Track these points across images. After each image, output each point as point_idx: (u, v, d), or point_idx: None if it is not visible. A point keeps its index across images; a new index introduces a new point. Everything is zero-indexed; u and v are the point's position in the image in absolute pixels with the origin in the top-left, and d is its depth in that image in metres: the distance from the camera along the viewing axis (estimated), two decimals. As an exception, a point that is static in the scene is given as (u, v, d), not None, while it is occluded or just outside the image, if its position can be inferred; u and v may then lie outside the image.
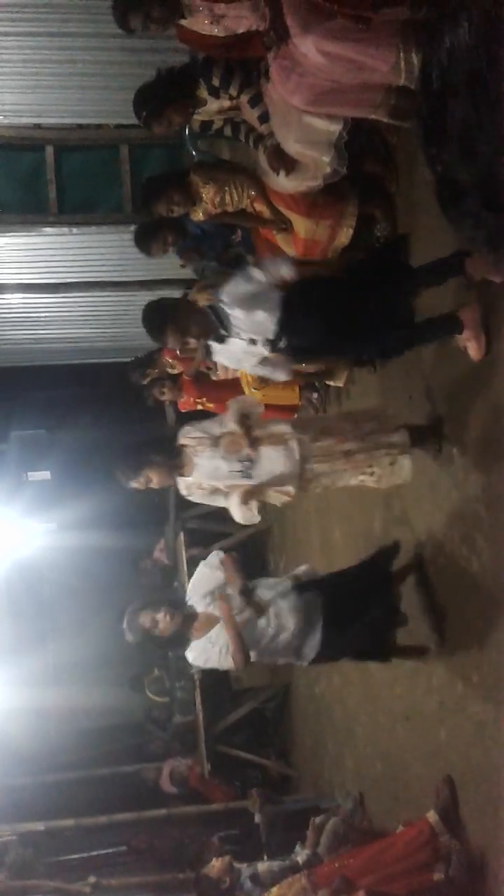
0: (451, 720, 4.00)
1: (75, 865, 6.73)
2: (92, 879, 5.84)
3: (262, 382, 5.56)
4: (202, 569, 4.20)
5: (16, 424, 9.16)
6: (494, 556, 3.58)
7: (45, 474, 8.93)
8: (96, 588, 9.49)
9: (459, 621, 3.92)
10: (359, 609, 3.99)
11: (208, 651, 3.94)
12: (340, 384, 5.46)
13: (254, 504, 4.05)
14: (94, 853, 6.95)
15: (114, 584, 9.21)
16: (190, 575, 8.17)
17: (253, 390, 5.69)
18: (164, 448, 4.03)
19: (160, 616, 3.93)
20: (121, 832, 7.09)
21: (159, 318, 3.94)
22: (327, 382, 5.60)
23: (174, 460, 3.98)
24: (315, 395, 6.03)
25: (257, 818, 6.01)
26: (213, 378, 5.85)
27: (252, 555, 8.78)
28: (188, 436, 4.05)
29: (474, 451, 3.76)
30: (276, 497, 4.13)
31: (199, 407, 6.54)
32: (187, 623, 3.97)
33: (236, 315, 3.75)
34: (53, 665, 9.31)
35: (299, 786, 7.56)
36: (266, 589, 4.07)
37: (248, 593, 3.98)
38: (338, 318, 3.72)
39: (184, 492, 4.11)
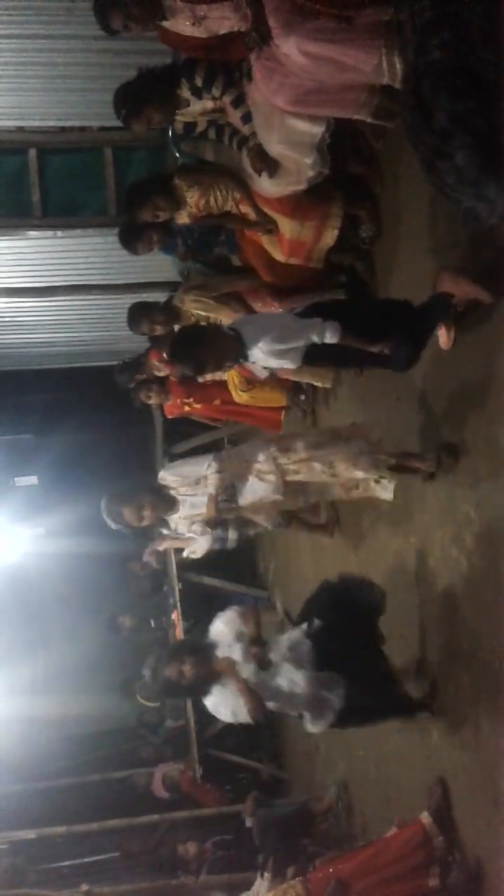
0: (443, 722, 3.99)
1: (67, 873, 6.70)
2: (84, 887, 5.80)
3: (249, 384, 5.55)
4: (225, 619, 4.14)
5: (2, 429, 9.12)
6: (484, 557, 3.56)
7: (33, 479, 8.90)
8: (85, 593, 9.45)
9: (449, 622, 3.91)
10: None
11: (225, 704, 3.90)
12: (328, 385, 5.45)
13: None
14: (86, 860, 6.91)
15: (103, 588, 9.18)
16: (179, 579, 8.19)
17: (240, 392, 5.69)
18: (155, 489, 4.14)
19: (186, 667, 3.89)
20: (113, 838, 7.05)
21: (194, 352, 3.78)
22: (314, 384, 5.59)
23: (167, 499, 4.08)
24: (302, 397, 6.02)
25: (249, 822, 5.98)
26: (199, 379, 5.83)
27: (241, 560, 8.77)
28: (167, 480, 4.17)
29: (463, 452, 3.75)
30: (258, 517, 4.18)
31: (186, 409, 6.53)
32: (212, 673, 3.92)
33: (268, 361, 3.71)
34: (43, 671, 9.25)
35: (291, 789, 7.54)
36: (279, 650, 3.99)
37: (260, 644, 3.95)
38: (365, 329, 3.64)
39: (171, 526, 4.16)
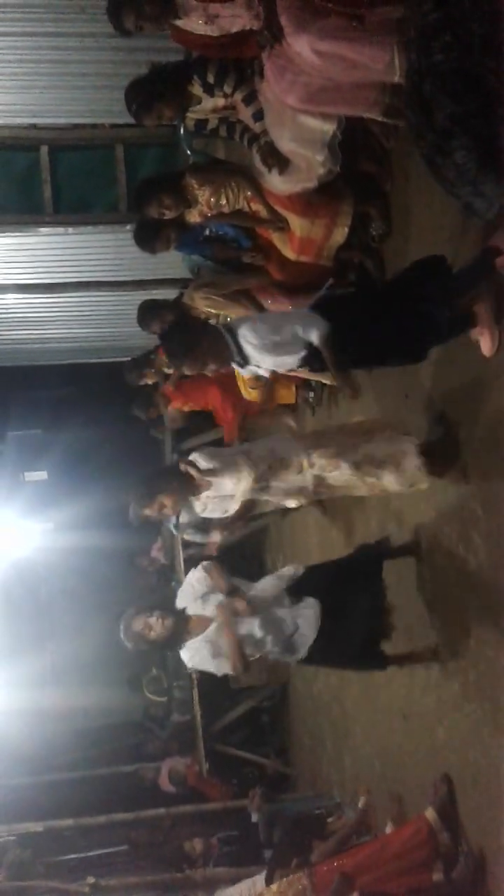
0: (448, 718, 4.01)
1: (74, 866, 6.73)
2: (91, 879, 5.85)
3: (258, 381, 5.57)
4: (190, 577, 4.30)
5: (12, 424, 9.16)
6: (491, 555, 3.58)
7: (42, 474, 8.94)
8: (94, 588, 9.49)
9: (456, 620, 3.92)
10: (349, 604, 4.02)
11: (202, 651, 3.98)
12: (336, 382, 5.46)
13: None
14: (93, 853, 6.94)
15: (111, 583, 9.22)
16: (187, 573, 8.21)
17: (249, 389, 5.70)
18: (176, 474, 4.05)
19: (153, 620, 4.00)
20: (119, 832, 7.09)
21: (181, 345, 3.82)
22: (323, 381, 5.61)
23: (185, 484, 3.99)
24: (311, 394, 6.04)
25: (255, 817, 6.01)
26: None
27: (249, 555, 8.79)
28: (198, 460, 4.06)
29: (471, 451, 3.76)
30: (288, 502, 4.17)
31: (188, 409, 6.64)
32: (181, 625, 4.03)
33: (262, 360, 3.67)
34: (51, 665, 9.31)
35: (297, 784, 7.57)
36: (257, 592, 4.10)
37: (235, 593, 4.03)
38: (376, 331, 3.56)
39: (198, 510, 4.12)
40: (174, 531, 6.82)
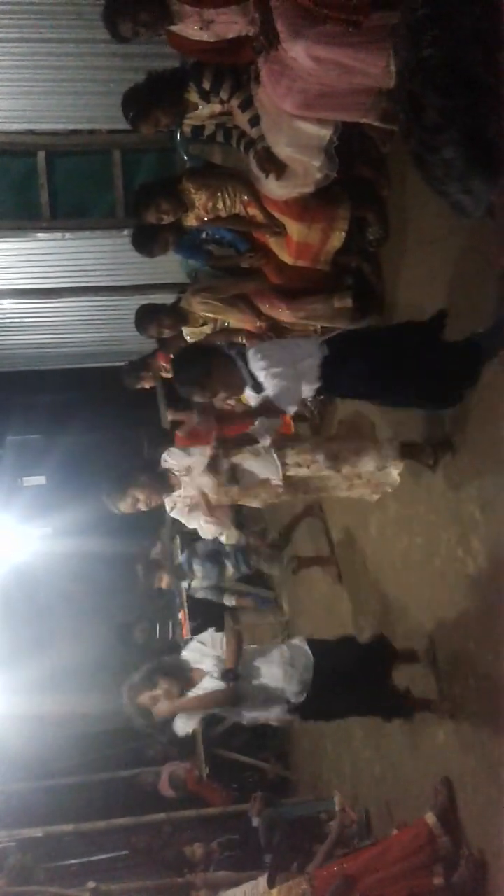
0: (448, 722, 4.01)
1: (74, 871, 6.73)
2: (91, 884, 5.83)
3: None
4: (207, 637, 4.18)
5: (11, 429, 9.17)
6: (489, 558, 3.58)
7: (41, 479, 8.95)
8: (92, 592, 9.49)
9: (455, 624, 3.92)
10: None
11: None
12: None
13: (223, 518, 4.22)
14: (94, 858, 6.94)
15: (110, 588, 9.21)
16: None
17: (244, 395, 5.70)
18: (148, 469, 4.13)
19: (158, 693, 3.93)
20: (120, 837, 7.08)
21: (192, 375, 3.63)
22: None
23: (162, 478, 4.09)
24: (309, 403, 6.02)
25: (255, 822, 6.00)
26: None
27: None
28: (171, 459, 4.17)
29: (469, 453, 3.77)
30: (260, 496, 4.20)
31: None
32: (185, 687, 3.97)
33: (276, 385, 3.55)
34: (51, 670, 9.29)
35: (298, 788, 7.56)
36: (260, 683, 4.01)
37: (232, 678, 3.93)
38: (384, 366, 3.50)
39: (168, 506, 4.19)
40: (186, 591, 6.88)
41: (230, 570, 6.65)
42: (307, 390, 3.56)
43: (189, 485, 4.15)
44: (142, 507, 4.06)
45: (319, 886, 4.09)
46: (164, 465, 4.20)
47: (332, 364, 3.47)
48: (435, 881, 3.77)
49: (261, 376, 3.48)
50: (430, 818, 3.92)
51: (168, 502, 4.22)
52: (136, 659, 8.87)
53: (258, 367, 3.47)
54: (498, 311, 3.40)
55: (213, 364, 3.53)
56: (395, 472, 4.10)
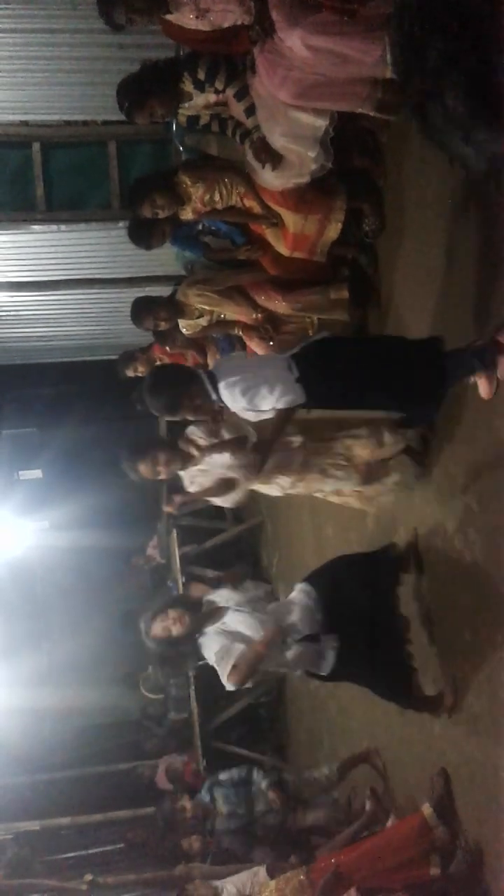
0: (444, 713, 4.01)
1: (72, 864, 6.73)
2: (88, 877, 5.84)
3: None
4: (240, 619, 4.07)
5: (7, 423, 9.14)
6: (487, 549, 3.58)
7: (37, 473, 8.93)
8: (89, 586, 9.49)
9: (452, 614, 3.92)
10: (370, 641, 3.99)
11: (212, 645, 3.94)
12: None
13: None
14: (91, 851, 6.95)
15: (107, 582, 9.21)
16: (182, 573, 8.22)
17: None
18: (171, 439, 4.12)
19: (169, 623, 3.96)
20: (117, 830, 7.09)
21: (162, 401, 3.61)
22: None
23: (180, 448, 4.03)
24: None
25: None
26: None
27: (245, 552, 8.79)
28: (193, 434, 4.10)
29: (464, 446, 3.77)
30: (275, 487, 4.17)
31: None
32: (199, 618, 4.02)
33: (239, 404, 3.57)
34: (48, 664, 9.31)
35: (295, 781, 7.57)
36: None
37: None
38: (359, 373, 3.53)
39: (186, 482, 4.13)
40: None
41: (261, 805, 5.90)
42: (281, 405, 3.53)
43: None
44: (161, 472, 3.98)
45: (317, 878, 4.09)
46: (188, 435, 4.14)
47: (306, 379, 3.46)
48: (431, 871, 3.77)
49: (229, 405, 3.50)
50: (427, 809, 3.93)
51: (187, 478, 4.16)
52: (137, 650, 8.91)
53: (227, 396, 3.48)
54: (479, 339, 3.41)
55: (182, 394, 3.52)
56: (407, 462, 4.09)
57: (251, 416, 3.63)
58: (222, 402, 3.52)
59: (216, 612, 4.05)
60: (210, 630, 3.99)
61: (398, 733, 4.68)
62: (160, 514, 8.72)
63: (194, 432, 4.12)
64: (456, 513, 3.84)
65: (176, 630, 3.96)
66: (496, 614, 3.48)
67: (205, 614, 4.05)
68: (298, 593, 4.08)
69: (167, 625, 3.97)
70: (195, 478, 4.18)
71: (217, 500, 4.36)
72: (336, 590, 4.05)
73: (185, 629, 3.96)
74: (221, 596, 4.16)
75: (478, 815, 3.69)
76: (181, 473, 4.15)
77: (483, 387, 3.44)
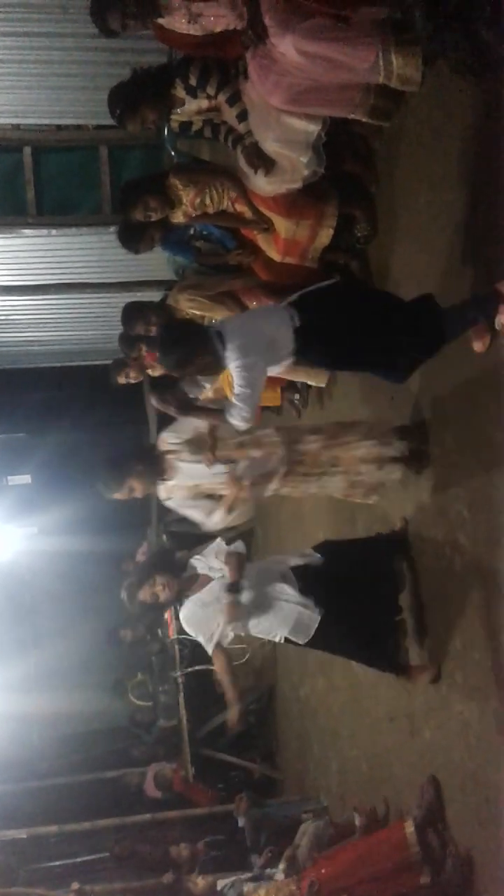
0: (435, 720, 4.00)
1: (59, 872, 6.66)
2: (76, 886, 5.78)
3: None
4: (215, 546, 4.22)
5: (-5, 428, 9.11)
6: (477, 556, 3.58)
7: (26, 478, 8.89)
8: (78, 592, 9.44)
9: (443, 621, 3.92)
10: (359, 592, 4.01)
11: (198, 615, 4.00)
12: (322, 384, 5.46)
13: (238, 508, 4.12)
14: (78, 860, 6.88)
15: (96, 588, 9.16)
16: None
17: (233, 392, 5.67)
18: (145, 456, 4.09)
19: (158, 589, 4.02)
20: (104, 838, 7.03)
21: (176, 353, 3.59)
22: (308, 383, 5.60)
23: (156, 467, 4.03)
24: (297, 396, 6.03)
25: (241, 822, 5.98)
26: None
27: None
28: (168, 442, 4.07)
29: (457, 452, 3.76)
30: (260, 492, 4.15)
31: None
32: (185, 585, 4.06)
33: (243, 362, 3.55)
34: (35, 670, 9.24)
35: (284, 788, 7.54)
36: (260, 575, 4.03)
37: (235, 590, 3.95)
38: (358, 327, 3.53)
39: (163, 496, 4.15)
40: None
41: None
42: (276, 369, 3.61)
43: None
44: (137, 494, 4.06)
45: (305, 888, 4.07)
46: (161, 446, 4.13)
47: (305, 332, 3.48)
48: (422, 880, 3.76)
49: (232, 371, 3.48)
50: (409, 827, 3.90)
51: (163, 491, 4.16)
52: (126, 659, 8.87)
53: (232, 359, 3.46)
54: (472, 293, 3.41)
55: (196, 348, 3.51)
56: (396, 469, 4.08)
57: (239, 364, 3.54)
58: (228, 360, 3.49)
59: (198, 579, 4.08)
60: (192, 599, 4.03)
61: (388, 740, 4.67)
62: (150, 520, 8.69)
63: (165, 440, 4.12)
64: (447, 520, 3.83)
65: (164, 596, 4.02)
66: (488, 622, 3.47)
67: (187, 579, 4.09)
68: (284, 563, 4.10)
69: (156, 590, 4.01)
70: (174, 493, 4.17)
71: (204, 520, 4.32)
72: (330, 563, 4.08)
73: (172, 595, 4.02)
74: (201, 562, 4.19)
75: (468, 822, 3.67)
76: (159, 487, 4.14)
77: (477, 339, 3.44)
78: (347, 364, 3.94)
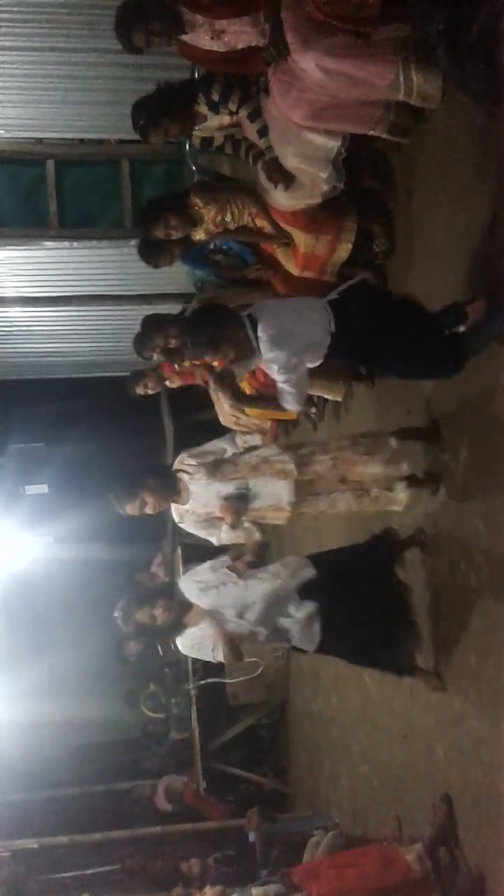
0: (448, 737, 3.97)
1: (68, 883, 6.66)
2: (85, 896, 5.79)
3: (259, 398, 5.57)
4: (204, 567, 4.18)
5: (14, 438, 9.17)
6: (493, 571, 3.56)
7: (43, 488, 8.94)
8: (93, 602, 9.44)
9: (457, 637, 3.90)
10: (362, 596, 3.98)
11: (199, 641, 3.96)
12: (339, 398, 5.46)
13: (245, 525, 4.13)
14: (88, 871, 6.87)
15: (111, 598, 9.15)
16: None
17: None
18: (160, 472, 4.13)
19: (157, 611, 3.95)
20: (115, 850, 7.01)
21: (207, 333, 3.62)
22: (325, 396, 5.61)
23: (170, 484, 4.03)
24: (313, 410, 6.03)
25: (252, 837, 5.95)
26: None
27: (250, 570, 8.74)
28: (185, 462, 4.10)
29: (473, 467, 3.75)
30: (272, 517, 4.16)
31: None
32: (182, 612, 3.99)
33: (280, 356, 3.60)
34: (49, 679, 9.25)
35: (295, 803, 7.50)
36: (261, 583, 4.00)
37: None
38: (393, 327, 3.59)
39: (176, 518, 4.17)
40: None
41: None
42: (309, 364, 3.65)
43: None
44: (149, 510, 4.02)
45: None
46: (177, 465, 4.14)
47: (339, 337, 3.54)
48: (432, 898, 3.73)
49: (269, 364, 3.53)
50: (410, 854, 3.87)
51: (175, 513, 4.17)
52: (138, 670, 8.86)
53: (265, 348, 3.51)
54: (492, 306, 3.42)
55: (227, 328, 3.54)
56: (403, 497, 4.07)
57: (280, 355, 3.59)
58: (259, 347, 3.52)
59: (195, 614, 3.99)
60: (191, 630, 3.97)
61: (400, 756, 4.64)
62: (165, 531, 8.70)
63: (183, 460, 4.14)
64: (462, 534, 3.82)
65: (161, 619, 3.95)
66: (502, 637, 3.45)
67: (183, 606, 4.01)
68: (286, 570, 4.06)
69: (154, 612, 3.95)
70: (184, 515, 4.18)
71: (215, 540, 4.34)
72: (333, 568, 4.07)
73: (169, 619, 3.95)
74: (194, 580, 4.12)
75: (480, 840, 3.64)
76: (172, 508, 4.16)
77: None
78: (384, 364, 3.98)
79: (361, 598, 3.97)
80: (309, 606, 3.89)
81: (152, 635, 4.09)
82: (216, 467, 4.05)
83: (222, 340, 3.55)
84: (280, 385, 3.64)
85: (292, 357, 3.54)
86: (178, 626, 3.99)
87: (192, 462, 4.11)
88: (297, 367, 3.58)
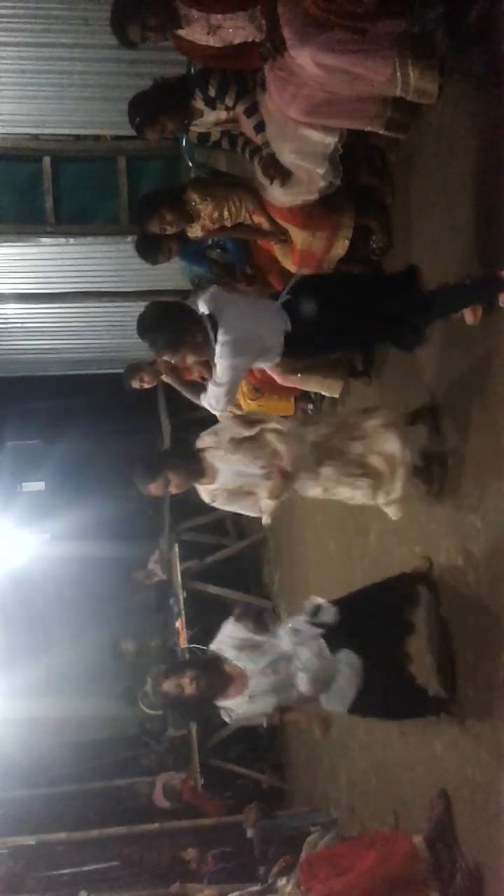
0: (446, 734, 3.97)
1: (66, 880, 6.65)
2: (83, 894, 5.78)
3: (258, 393, 5.56)
4: (225, 630, 3.97)
5: (11, 435, 9.16)
6: (490, 569, 3.56)
7: (40, 485, 8.94)
8: (90, 599, 9.46)
9: (456, 634, 3.90)
10: (389, 649, 3.88)
11: (245, 707, 3.78)
12: (336, 394, 5.45)
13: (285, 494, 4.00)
14: (86, 868, 6.87)
15: (108, 594, 9.18)
16: (184, 588, 8.20)
17: (248, 401, 5.70)
18: (182, 450, 4.07)
19: (185, 681, 3.71)
20: (113, 846, 7.01)
21: (166, 337, 3.65)
22: (322, 393, 5.60)
23: (193, 462, 3.91)
24: (310, 406, 6.02)
25: (249, 833, 5.96)
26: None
27: (247, 568, 8.77)
28: (207, 440, 4.01)
29: (471, 463, 3.75)
30: (302, 484, 4.02)
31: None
32: (216, 683, 3.75)
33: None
34: (46, 677, 9.25)
35: (293, 800, 7.51)
36: (285, 636, 3.86)
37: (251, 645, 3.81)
38: (347, 310, 3.62)
39: (207, 499, 4.04)
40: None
41: None
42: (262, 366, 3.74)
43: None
44: (173, 489, 3.89)
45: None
46: (199, 444, 4.02)
47: (294, 337, 3.58)
48: (430, 895, 3.72)
49: (217, 363, 3.54)
50: (416, 838, 3.86)
51: (206, 495, 4.04)
52: (136, 667, 8.87)
53: (221, 354, 3.52)
54: (464, 276, 3.48)
55: (188, 332, 3.55)
56: (396, 507, 4.04)
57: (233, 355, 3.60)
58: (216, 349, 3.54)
59: (236, 676, 3.76)
60: (235, 700, 3.75)
61: (398, 753, 4.64)
62: (162, 528, 8.71)
63: (203, 439, 4.04)
64: (460, 532, 3.82)
65: (189, 690, 3.69)
66: (500, 636, 3.45)
67: (219, 678, 3.74)
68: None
69: (181, 682, 3.71)
70: (215, 494, 4.04)
71: (256, 514, 4.18)
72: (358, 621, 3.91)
73: (197, 691, 3.70)
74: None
75: (478, 837, 3.65)
76: (201, 489, 4.05)
77: (469, 315, 3.53)
78: (345, 346, 4.08)
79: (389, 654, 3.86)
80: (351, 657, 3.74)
81: (186, 711, 3.88)
82: (238, 444, 3.96)
83: (182, 344, 3.56)
84: (215, 387, 3.62)
85: (245, 364, 3.59)
86: (214, 696, 3.76)
87: (213, 440, 4.04)
88: (241, 373, 3.62)
